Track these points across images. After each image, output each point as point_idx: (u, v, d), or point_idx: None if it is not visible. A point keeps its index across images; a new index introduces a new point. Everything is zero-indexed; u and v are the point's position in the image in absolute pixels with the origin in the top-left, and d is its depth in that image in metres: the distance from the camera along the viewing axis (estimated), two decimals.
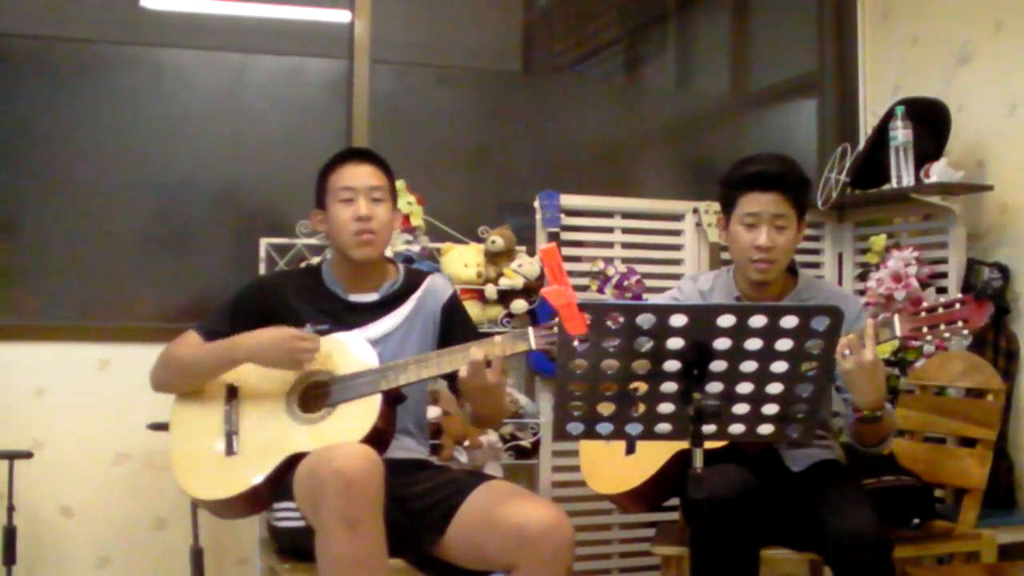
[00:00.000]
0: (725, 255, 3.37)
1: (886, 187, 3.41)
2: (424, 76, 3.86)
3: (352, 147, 2.83)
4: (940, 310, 2.36)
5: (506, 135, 3.89)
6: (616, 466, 2.65)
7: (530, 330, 2.42)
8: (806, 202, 2.68)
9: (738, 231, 2.62)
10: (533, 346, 2.41)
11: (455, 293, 2.75)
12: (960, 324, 2.34)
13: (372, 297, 2.63)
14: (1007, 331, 3.28)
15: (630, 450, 2.65)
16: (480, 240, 3.39)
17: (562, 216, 3.42)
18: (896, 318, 2.38)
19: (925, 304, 2.40)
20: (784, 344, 1.91)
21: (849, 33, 4.10)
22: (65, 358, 3.21)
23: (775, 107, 4.41)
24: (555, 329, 2.34)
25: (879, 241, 3.56)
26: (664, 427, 2.00)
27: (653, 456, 2.57)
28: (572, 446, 3.22)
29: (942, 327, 2.35)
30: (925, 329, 2.37)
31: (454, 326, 2.66)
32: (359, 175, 2.57)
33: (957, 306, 2.35)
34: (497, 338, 2.42)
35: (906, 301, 3.29)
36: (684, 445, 1.97)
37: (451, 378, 2.61)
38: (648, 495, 2.63)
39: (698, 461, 1.91)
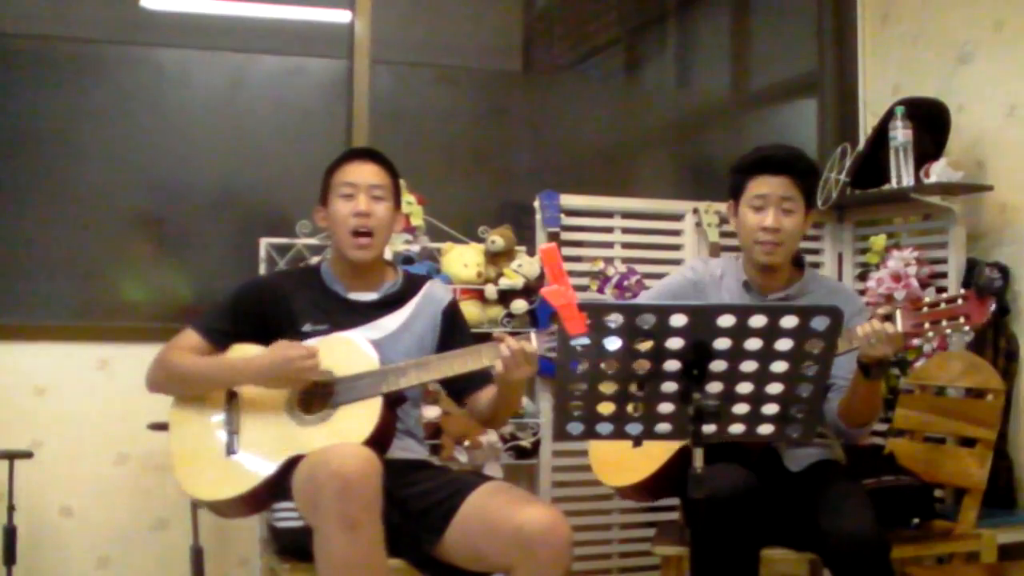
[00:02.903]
0: (726, 255, 3.38)
1: (886, 187, 3.41)
2: (424, 76, 3.86)
3: (360, 147, 2.84)
4: (942, 305, 2.37)
5: (506, 135, 3.89)
6: (625, 458, 2.66)
7: (532, 334, 2.41)
8: (814, 192, 2.74)
9: (746, 214, 2.66)
10: (536, 351, 2.40)
11: (454, 299, 2.76)
12: (961, 320, 2.35)
13: (372, 296, 2.63)
14: (1007, 331, 3.28)
15: (637, 443, 2.65)
16: (480, 240, 3.38)
17: (562, 216, 3.42)
18: (898, 313, 2.38)
19: (927, 300, 2.41)
20: (784, 344, 1.91)
21: (849, 33, 4.10)
22: (65, 358, 3.21)
23: (775, 107, 4.41)
24: (556, 334, 2.34)
25: (879, 241, 3.56)
26: (664, 427, 2.00)
27: (661, 448, 2.57)
28: (572, 446, 3.23)
29: (943, 323, 2.36)
30: (927, 325, 2.37)
31: (454, 332, 2.66)
32: (362, 172, 2.59)
33: (959, 302, 2.36)
34: (503, 346, 2.39)
35: (905, 301, 3.29)
36: (687, 442, 1.97)
37: (450, 384, 2.61)
38: (657, 487, 2.64)
39: (698, 461, 1.91)
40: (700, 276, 2.78)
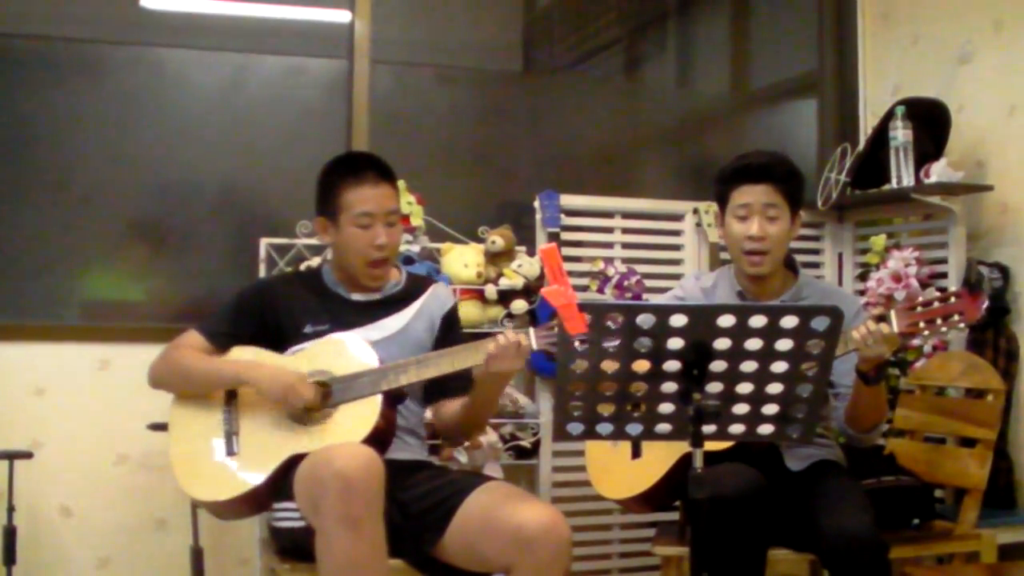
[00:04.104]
0: (724, 255, 3.37)
1: (886, 187, 3.41)
2: (424, 76, 3.86)
3: (364, 156, 2.68)
4: (935, 304, 2.38)
5: (506, 135, 3.89)
6: (624, 470, 2.65)
7: (531, 330, 2.42)
8: (799, 196, 2.71)
9: (731, 224, 2.66)
10: (534, 346, 2.41)
11: (456, 304, 2.75)
12: (956, 318, 2.36)
13: (374, 296, 2.63)
14: (1007, 331, 3.28)
15: (636, 454, 2.65)
16: (480, 240, 3.39)
17: (562, 216, 3.42)
18: (892, 314, 2.40)
19: (920, 299, 2.42)
20: (784, 344, 1.91)
21: (849, 33, 4.10)
22: (65, 358, 3.21)
23: (775, 107, 4.41)
24: (555, 329, 2.35)
25: (879, 241, 3.56)
26: (664, 427, 2.00)
27: (661, 458, 2.57)
28: (572, 446, 3.22)
29: (938, 321, 2.37)
30: (922, 324, 2.38)
31: (450, 337, 2.65)
32: (378, 199, 2.53)
33: (952, 300, 2.38)
34: (499, 336, 2.40)
35: (906, 301, 3.29)
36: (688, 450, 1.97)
37: (428, 384, 2.60)
38: (658, 497, 2.63)
39: (698, 462, 1.91)
40: (688, 293, 2.79)
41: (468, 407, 2.57)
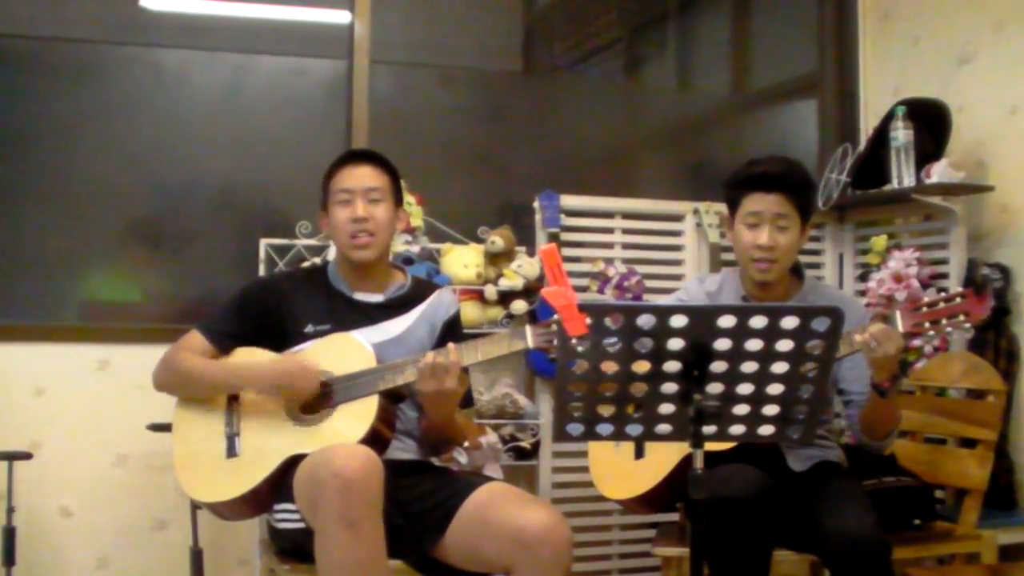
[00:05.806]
0: (725, 256, 3.38)
1: (887, 188, 3.41)
2: (424, 76, 3.86)
3: (354, 149, 2.81)
4: (941, 304, 2.38)
5: (506, 135, 3.89)
6: (627, 471, 2.65)
7: (527, 328, 2.42)
8: (810, 205, 2.69)
9: (741, 231, 2.64)
10: (530, 344, 2.40)
11: (459, 311, 2.74)
12: (962, 318, 2.36)
13: (378, 298, 2.62)
14: (1008, 332, 3.28)
15: (639, 455, 2.65)
16: (480, 241, 3.38)
17: (562, 216, 3.42)
18: (898, 314, 2.39)
19: (926, 299, 2.42)
20: (784, 345, 1.90)
21: (849, 33, 4.10)
22: (65, 358, 3.21)
23: (775, 107, 4.41)
24: (553, 327, 2.34)
25: (880, 242, 3.56)
26: (664, 428, 1.99)
27: (664, 459, 2.56)
28: (572, 447, 3.23)
29: (944, 321, 2.37)
30: (927, 324, 2.38)
31: (448, 341, 2.62)
32: (356, 176, 2.57)
33: (958, 299, 2.38)
34: (496, 335, 2.41)
35: (906, 302, 3.29)
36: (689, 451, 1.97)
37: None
38: (660, 498, 2.63)
39: (698, 462, 1.91)
40: (692, 296, 2.77)
41: (424, 426, 2.56)
